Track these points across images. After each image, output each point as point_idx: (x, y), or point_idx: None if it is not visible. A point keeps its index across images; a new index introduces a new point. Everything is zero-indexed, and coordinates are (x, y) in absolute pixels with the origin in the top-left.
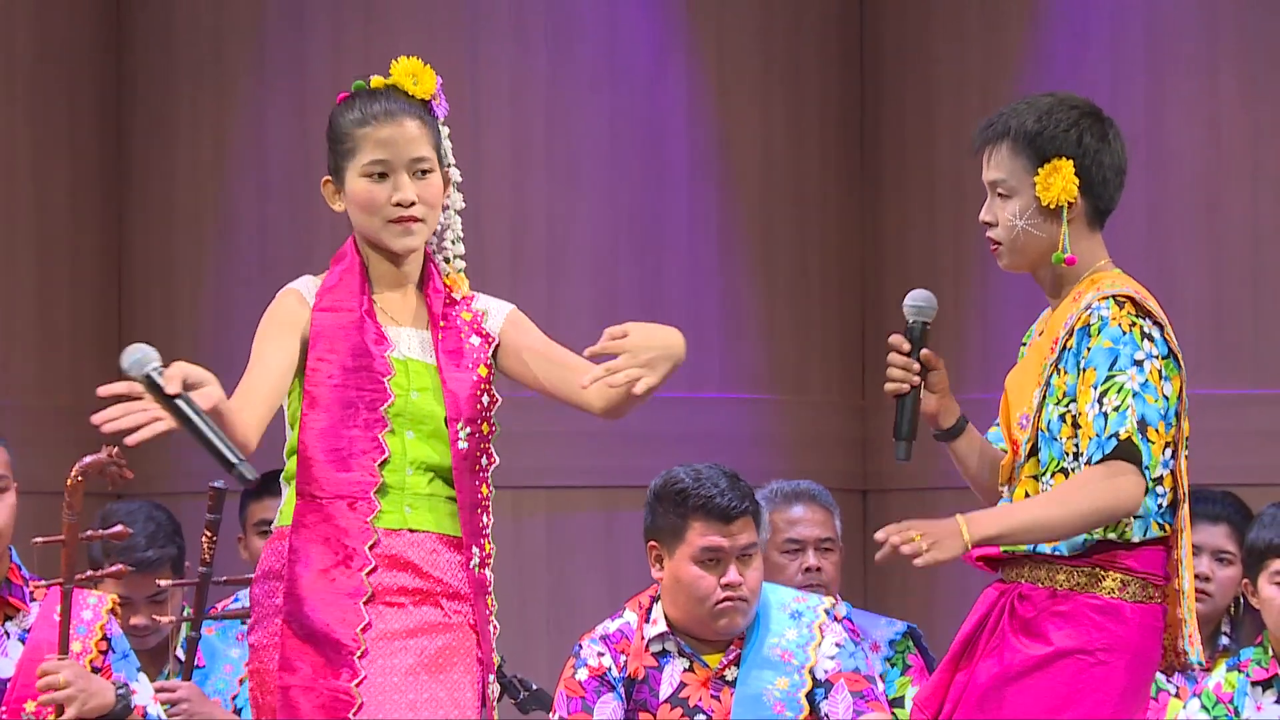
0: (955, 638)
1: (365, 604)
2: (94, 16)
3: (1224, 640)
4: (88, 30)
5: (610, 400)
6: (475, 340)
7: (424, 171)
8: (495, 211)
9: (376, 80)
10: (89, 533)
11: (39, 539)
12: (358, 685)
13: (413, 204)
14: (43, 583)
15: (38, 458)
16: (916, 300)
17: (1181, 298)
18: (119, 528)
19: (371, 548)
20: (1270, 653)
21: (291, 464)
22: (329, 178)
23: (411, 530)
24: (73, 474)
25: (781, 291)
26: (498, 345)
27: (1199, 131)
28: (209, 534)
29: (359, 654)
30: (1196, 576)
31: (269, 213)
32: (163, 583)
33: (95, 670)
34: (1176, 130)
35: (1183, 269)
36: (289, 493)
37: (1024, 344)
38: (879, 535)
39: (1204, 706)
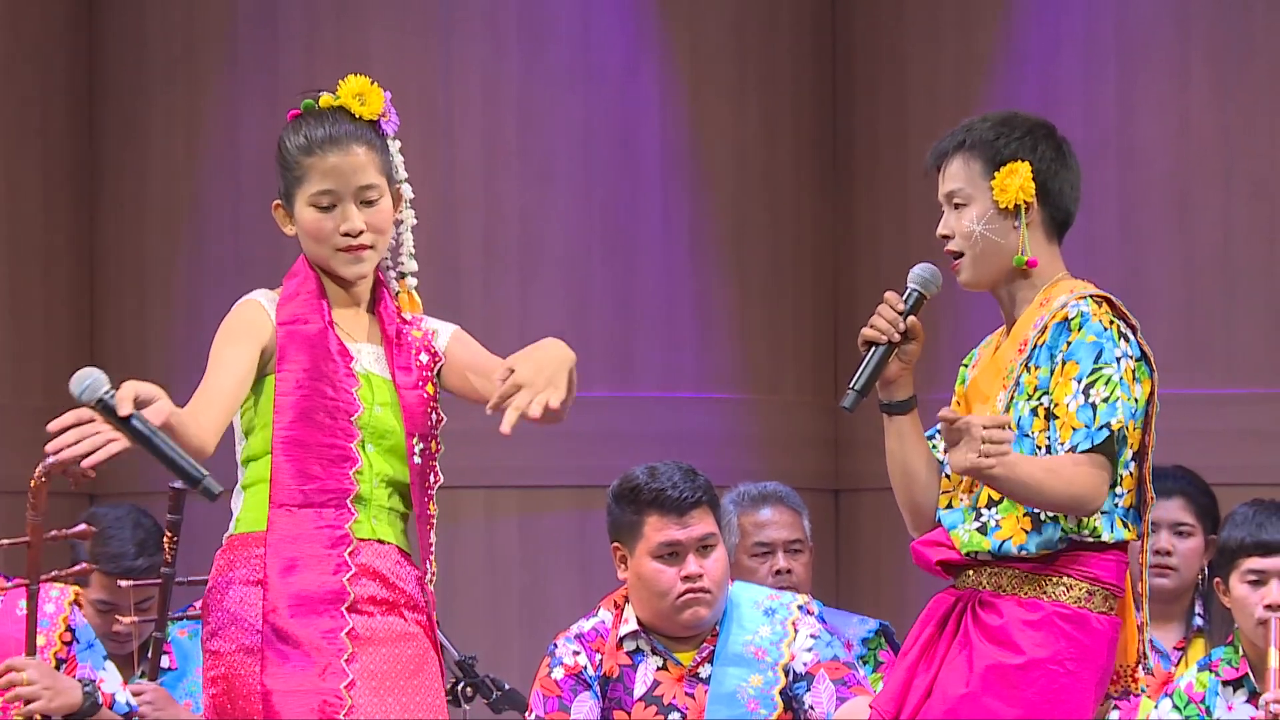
0: (908, 641)
1: (346, 609)
2: (66, 16)
3: (1198, 621)
4: (60, 30)
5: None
6: (424, 358)
7: (370, 200)
8: (468, 211)
9: (326, 99)
10: (53, 532)
11: (3, 541)
12: (347, 688)
13: (361, 233)
14: (10, 583)
15: (10, 458)
16: (923, 272)
17: (1153, 296)
18: (82, 527)
19: (350, 554)
20: (1241, 652)
21: (252, 472)
22: (279, 202)
23: (380, 541)
24: (36, 474)
25: (754, 291)
26: (442, 363)
27: (1170, 130)
28: (170, 535)
29: (345, 658)
30: (1156, 552)
31: (241, 212)
32: (124, 584)
33: (60, 662)
34: (1148, 129)
35: (1154, 268)
36: (251, 499)
37: (965, 364)
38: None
39: (1175, 706)
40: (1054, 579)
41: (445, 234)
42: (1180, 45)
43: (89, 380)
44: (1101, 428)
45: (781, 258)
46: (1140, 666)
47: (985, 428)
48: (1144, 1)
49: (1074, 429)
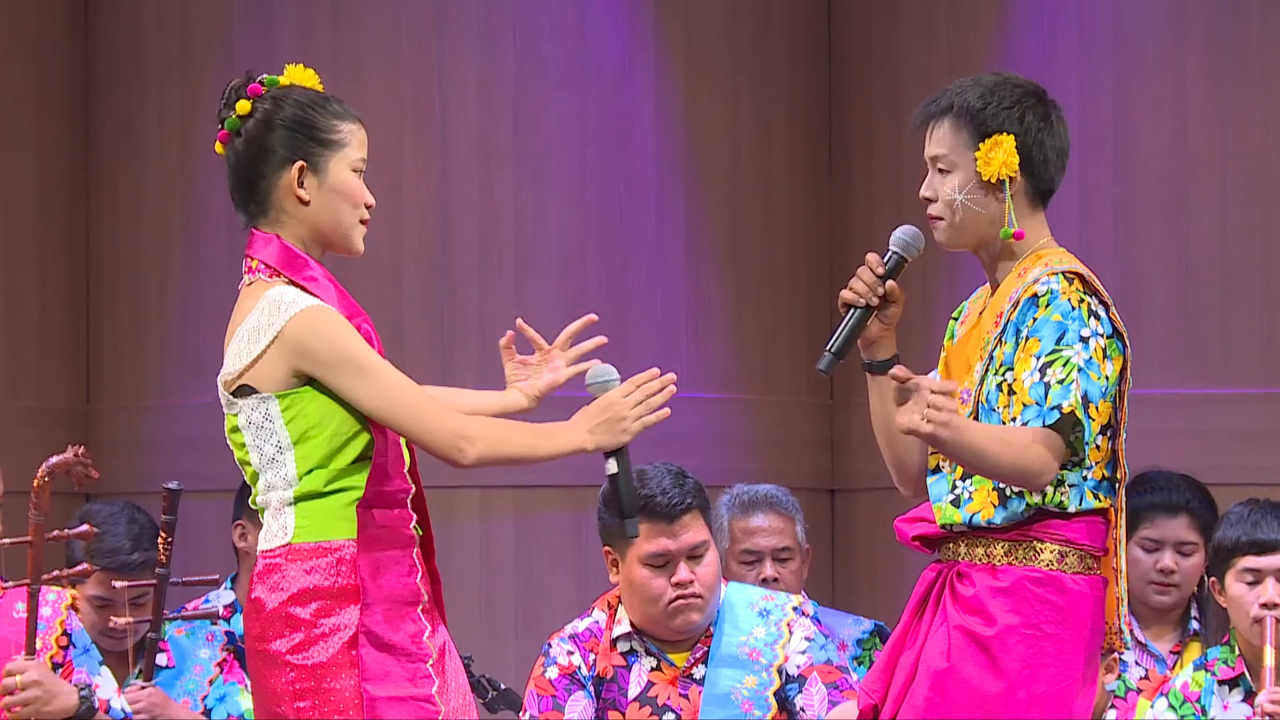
0: (899, 623)
1: (421, 611)
2: (61, 16)
3: (1194, 625)
4: (55, 30)
5: None
6: None
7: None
8: (463, 211)
9: (285, 79)
10: (55, 533)
11: (5, 540)
12: (438, 692)
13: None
14: (9, 584)
15: (5, 457)
16: (905, 235)
17: (1149, 297)
18: (84, 527)
19: (416, 554)
20: (1236, 651)
21: (308, 483)
22: (304, 163)
23: (419, 535)
24: (39, 474)
25: (749, 291)
26: None
27: (1166, 131)
28: (165, 535)
29: (430, 662)
30: (1160, 571)
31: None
32: (118, 584)
33: (56, 666)
34: (1144, 130)
35: (1150, 269)
36: (309, 508)
37: (954, 319)
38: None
39: (1171, 706)
40: (1024, 545)
41: (440, 234)
42: (1176, 46)
43: (612, 377)
44: (1053, 408)
45: (776, 258)
46: (1118, 626)
47: (932, 391)
48: (1139, 3)
49: (1025, 405)
